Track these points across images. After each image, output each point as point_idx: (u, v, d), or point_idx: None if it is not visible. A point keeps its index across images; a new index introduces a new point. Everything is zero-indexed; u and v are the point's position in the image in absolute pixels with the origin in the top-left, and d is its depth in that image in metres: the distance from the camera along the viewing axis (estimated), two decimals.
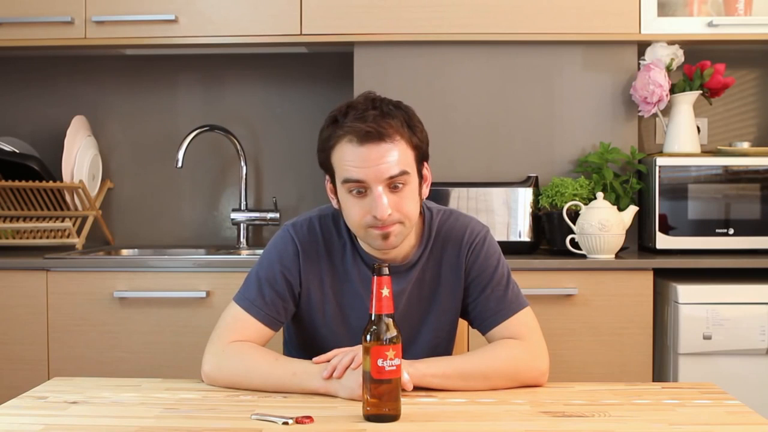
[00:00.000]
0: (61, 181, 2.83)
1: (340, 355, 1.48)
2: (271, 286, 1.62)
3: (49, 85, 3.10)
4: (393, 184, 1.51)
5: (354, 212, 1.53)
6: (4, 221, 2.88)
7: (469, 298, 1.66)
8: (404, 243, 1.60)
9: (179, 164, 2.86)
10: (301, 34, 2.73)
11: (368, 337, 1.30)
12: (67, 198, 2.88)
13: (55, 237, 2.82)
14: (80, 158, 2.87)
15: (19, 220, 2.89)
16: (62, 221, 2.81)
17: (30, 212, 2.88)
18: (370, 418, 1.31)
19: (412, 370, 1.46)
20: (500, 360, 1.56)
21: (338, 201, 1.58)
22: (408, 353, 1.54)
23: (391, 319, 1.30)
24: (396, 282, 1.55)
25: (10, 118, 3.09)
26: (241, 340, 1.58)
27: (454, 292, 1.66)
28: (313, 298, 1.65)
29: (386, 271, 1.30)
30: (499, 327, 1.62)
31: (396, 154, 1.50)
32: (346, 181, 1.52)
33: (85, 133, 2.95)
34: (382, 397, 1.30)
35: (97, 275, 2.52)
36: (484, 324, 1.65)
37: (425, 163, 1.59)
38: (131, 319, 2.50)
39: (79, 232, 2.86)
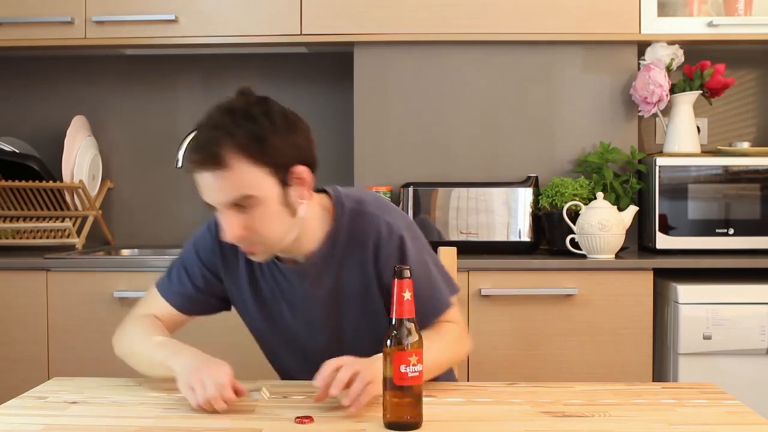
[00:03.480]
0: (61, 181, 2.83)
1: (335, 372, 1.36)
2: (186, 272, 1.66)
3: (49, 85, 3.10)
4: (239, 207, 1.44)
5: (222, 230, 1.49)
6: (4, 221, 2.88)
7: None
8: (303, 243, 1.54)
9: (179, 164, 2.86)
10: (301, 34, 2.73)
11: (389, 342, 1.25)
12: (67, 198, 2.88)
13: (55, 237, 2.81)
14: (80, 158, 2.87)
15: (19, 220, 2.89)
16: (62, 221, 2.81)
17: (30, 212, 2.88)
18: (391, 426, 1.26)
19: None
20: (451, 350, 1.58)
21: None
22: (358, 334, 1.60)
23: (412, 324, 1.26)
24: (307, 283, 1.57)
25: (10, 118, 3.09)
26: (148, 315, 1.66)
27: (367, 294, 1.58)
28: (235, 297, 1.65)
29: (408, 274, 1.25)
30: (426, 330, 1.52)
31: (231, 180, 1.41)
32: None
33: (85, 133, 2.95)
34: (404, 405, 1.26)
35: (97, 275, 2.52)
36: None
37: (293, 169, 1.46)
38: None
39: (79, 232, 2.86)
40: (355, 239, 1.56)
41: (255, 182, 1.42)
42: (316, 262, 1.56)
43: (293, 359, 1.67)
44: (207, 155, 1.41)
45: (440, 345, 1.52)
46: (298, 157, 1.47)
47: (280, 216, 1.47)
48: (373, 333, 1.50)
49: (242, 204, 1.43)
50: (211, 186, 1.43)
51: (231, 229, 1.45)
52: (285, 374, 1.72)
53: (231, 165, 1.40)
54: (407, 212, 2.66)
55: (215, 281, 1.65)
